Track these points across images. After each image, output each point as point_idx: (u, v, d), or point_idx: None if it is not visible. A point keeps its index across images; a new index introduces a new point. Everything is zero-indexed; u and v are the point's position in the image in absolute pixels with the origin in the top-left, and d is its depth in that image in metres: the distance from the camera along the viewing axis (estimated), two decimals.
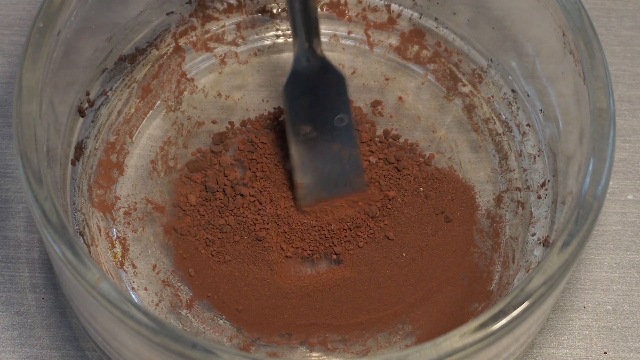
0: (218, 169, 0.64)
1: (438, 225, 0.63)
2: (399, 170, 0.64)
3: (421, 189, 0.64)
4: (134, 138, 0.66)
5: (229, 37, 0.69)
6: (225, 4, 0.69)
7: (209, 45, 0.69)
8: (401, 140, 0.66)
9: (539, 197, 0.63)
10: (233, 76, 0.69)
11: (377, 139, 0.65)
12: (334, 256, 0.62)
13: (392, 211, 0.63)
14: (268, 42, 0.70)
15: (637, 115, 0.70)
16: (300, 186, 0.62)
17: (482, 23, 0.67)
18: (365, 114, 0.67)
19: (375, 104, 0.67)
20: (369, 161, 0.64)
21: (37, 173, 0.52)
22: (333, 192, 0.62)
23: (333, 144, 0.62)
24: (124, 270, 0.62)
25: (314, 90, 0.61)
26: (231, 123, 0.66)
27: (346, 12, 0.70)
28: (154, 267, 0.62)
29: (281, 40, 0.70)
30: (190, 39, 0.68)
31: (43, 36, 0.55)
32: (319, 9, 0.69)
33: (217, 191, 0.63)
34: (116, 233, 0.63)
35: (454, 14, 0.68)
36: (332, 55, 0.69)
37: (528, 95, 0.65)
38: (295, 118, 0.61)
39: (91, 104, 0.64)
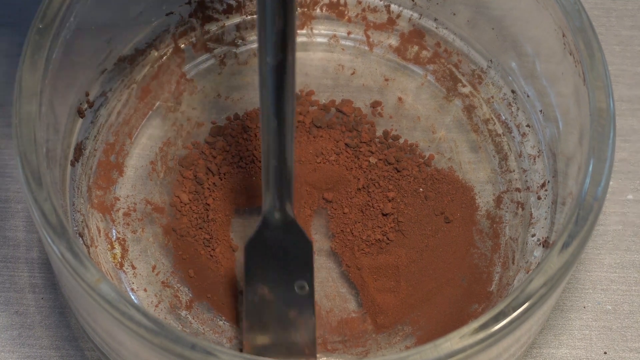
0: (209, 154, 0.63)
1: (438, 226, 0.63)
2: (398, 171, 0.64)
3: (421, 189, 0.64)
4: (133, 139, 0.66)
5: (229, 38, 0.69)
6: (224, 4, 0.69)
7: (208, 46, 0.69)
8: (401, 140, 0.66)
9: (539, 198, 0.63)
10: (232, 77, 0.69)
11: (377, 140, 0.65)
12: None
13: (393, 212, 0.63)
14: None
15: (637, 115, 0.70)
16: (247, 340, 0.58)
17: (481, 23, 0.67)
18: (365, 115, 0.66)
19: (375, 104, 0.67)
20: (369, 162, 0.64)
21: (37, 174, 0.52)
22: (280, 356, 0.58)
23: (290, 311, 0.58)
24: (124, 271, 0.62)
25: (278, 252, 0.58)
26: (228, 118, 0.66)
27: (346, 12, 0.70)
28: (154, 268, 0.62)
29: None
30: (190, 40, 0.68)
31: (43, 37, 0.55)
32: (317, 10, 0.69)
33: (206, 182, 0.63)
34: (115, 234, 0.63)
35: (454, 14, 0.68)
36: (332, 56, 0.69)
37: (528, 96, 0.65)
38: (254, 277, 0.58)
39: (91, 104, 0.64)
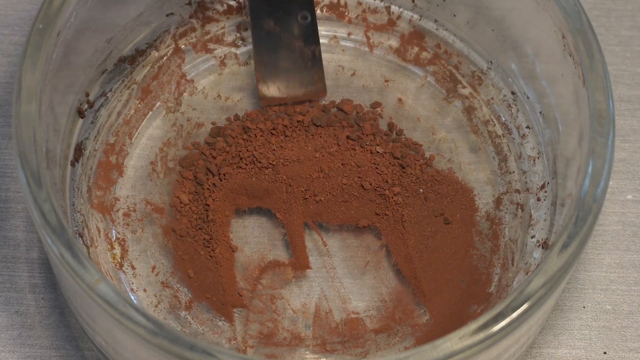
0: (209, 155, 0.63)
1: (437, 227, 0.63)
2: (403, 168, 0.64)
3: (421, 190, 0.64)
4: (133, 139, 0.66)
5: (229, 39, 0.69)
6: (225, 5, 0.69)
7: (208, 47, 0.69)
8: (405, 134, 0.66)
9: (539, 200, 0.63)
10: (233, 77, 0.69)
11: (381, 133, 0.65)
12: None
13: (395, 207, 0.63)
14: None
15: (636, 115, 0.70)
16: (261, 81, 0.62)
17: (481, 25, 0.67)
18: (367, 112, 0.66)
19: (375, 105, 0.67)
20: (376, 151, 0.64)
21: (36, 174, 0.52)
22: (293, 92, 0.62)
23: (295, 40, 0.62)
24: (123, 272, 0.62)
25: None
26: (228, 119, 0.66)
27: (346, 13, 0.70)
28: (153, 268, 0.62)
29: None
30: (190, 40, 0.68)
31: (43, 37, 0.55)
32: (318, 11, 0.69)
33: (206, 182, 0.63)
34: (115, 234, 0.63)
35: (454, 15, 0.68)
36: (332, 57, 0.69)
37: (528, 98, 0.65)
38: (258, 12, 0.61)
39: (91, 105, 0.64)
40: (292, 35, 0.61)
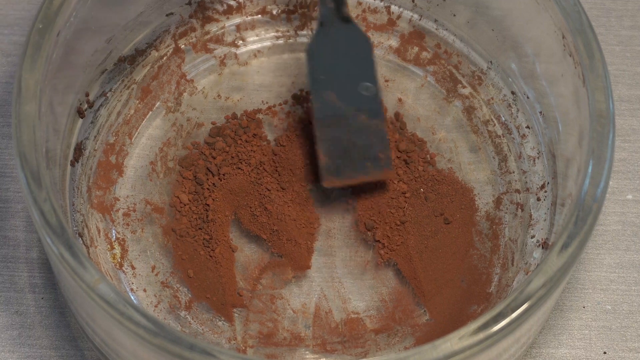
0: (209, 155, 0.63)
1: (437, 227, 0.63)
2: (407, 164, 0.64)
3: (422, 190, 0.64)
4: (133, 139, 0.66)
5: (229, 39, 0.69)
6: (225, 5, 0.69)
7: (208, 47, 0.69)
8: (410, 131, 0.65)
9: (539, 199, 0.63)
10: (233, 77, 0.69)
11: (387, 120, 0.65)
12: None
13: (397, 207, 0.63)
14: (268, 43, 0.70)
15: (636, 115, 0.70)
16: (323, 159, 0.59)
17: (481, 25, 0.67)
18: None
19: None
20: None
21: (36, 174, 0.52)
22: (358, 170, 0.60)
23: (358, 114, 0.59)
24: (123, 272, 0.62)
25: (338, 56, 0.59)
26: (228, 119, 0.66)
27: None
28: (153, 268, 0.62)
29: (281, 41, 0.70)
30: (190, 40, 0.68)
31: (42, 37, 0.55)
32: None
33: (206, 182, 0.63)
34: (115, 234, 0.63)
35: (454, 15, 0.68)
36: None
37: (528, 97, 0.65)
38: (318, 84, 0.59)
39: (90, 105, 0.64)
40: (354, 108, 0.59)
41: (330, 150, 0.59)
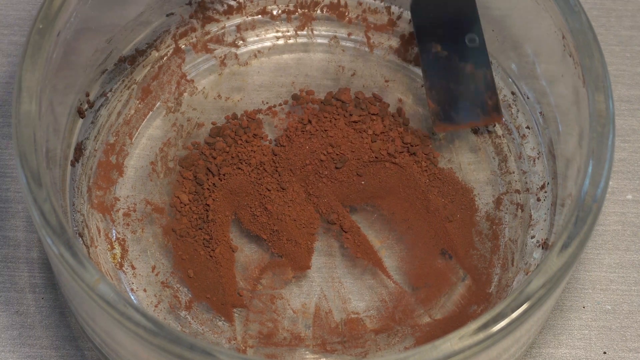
0: (209, 155, 0.63)
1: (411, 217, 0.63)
2: (411, 155, 0.64)
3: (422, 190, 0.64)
4: (133, 139, 0.66)
5: (229, 39, 0.69)
6: (225, 5, 0.69)
7: (208, 47, 0.69)
8: (410, 124, 0.65)
9: (539, 200, 0.63)
10: (233, 77, 0.69)
11: (389, 115, 0.65)
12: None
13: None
14: (268, 43, 0.70)
15: (636, 115, 0.70)
16: (434, 107, 0.61)
17: (481, 24, 0.66)
18: (369, 97, 0.66)
19: (376, 97, 0.67)
20: (383, 131, 0.64)
21: (36, 174, 0.52)
22: (468, 115, 0.62)
23: (466, 64, 0.61)
24: (123, 272, 0.62)
25: (442, 8, 0.60)
26: (228, 119, 0.66)
27: (346, 14, 0.70)
28: (153, 268, 0.62)
29: (281, 42, 0.70)
30: (190, 41, 0.68)
31: (43, 37, 0.55)
32: (318, 11, 0.69)
33: (206, 182, 0.63)
34: (115, 234, 0.63)
35: None
36: (332, 57, 0.69)
37: (527, 98, 0.65)
38: (425, 36, 0.60)
39: (91, 105, 0.64)
40: (461, 58, 0.61)
41: (439, 97, 0.61)
